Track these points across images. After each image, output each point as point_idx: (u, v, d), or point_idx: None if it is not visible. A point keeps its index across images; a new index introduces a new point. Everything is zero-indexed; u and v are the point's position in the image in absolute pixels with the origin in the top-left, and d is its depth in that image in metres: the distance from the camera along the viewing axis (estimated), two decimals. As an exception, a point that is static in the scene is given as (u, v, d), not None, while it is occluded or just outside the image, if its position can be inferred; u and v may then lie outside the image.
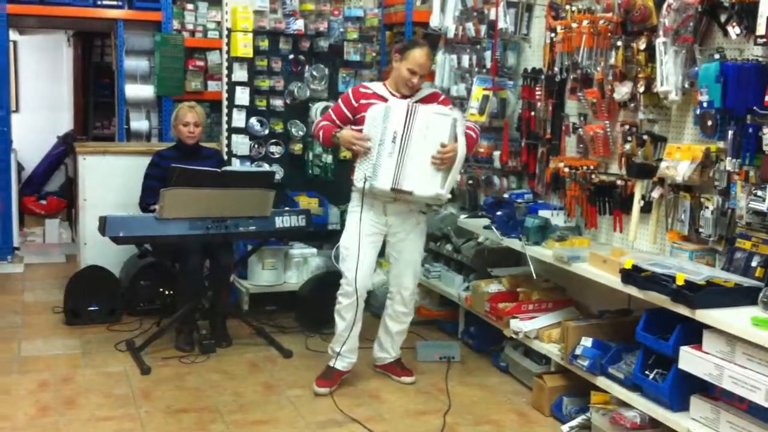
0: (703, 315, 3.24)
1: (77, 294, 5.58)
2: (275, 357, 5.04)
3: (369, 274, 4.54)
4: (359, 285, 4.42)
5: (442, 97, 4.60)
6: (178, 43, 7.27)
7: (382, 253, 4.66)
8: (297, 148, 6.14)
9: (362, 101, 4.45)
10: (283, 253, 5.88)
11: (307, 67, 6.10)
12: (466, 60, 5.51)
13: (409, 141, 4.25)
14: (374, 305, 5.65)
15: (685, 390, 3.44)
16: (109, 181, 5.93)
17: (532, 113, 4.97)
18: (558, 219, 4.71)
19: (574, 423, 3.98)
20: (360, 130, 4.36)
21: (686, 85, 3.75)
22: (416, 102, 4.38)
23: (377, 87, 4.52)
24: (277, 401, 4.37)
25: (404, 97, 4.42)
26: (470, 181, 5.55)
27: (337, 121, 4.51)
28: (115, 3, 7.33)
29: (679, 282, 3.35)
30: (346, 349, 4.50)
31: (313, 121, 6.02)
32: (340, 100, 4.60)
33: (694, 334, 3.35)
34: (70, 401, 4.29)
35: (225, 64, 5.97)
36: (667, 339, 3.49)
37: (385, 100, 4.40)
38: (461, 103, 5.58)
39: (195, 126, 5.29)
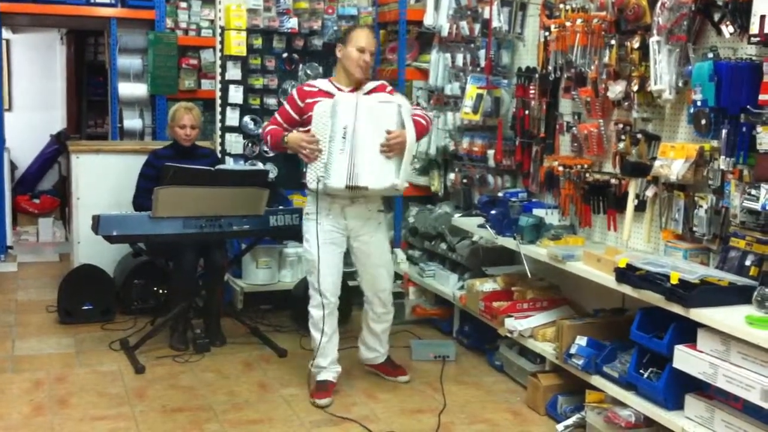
0: (698, 314, 3.25)
1: (71, 293, 5.57)
2: (270, 356, 5.04)
3: (338, 282, 4.39)
4: (329, 295, 4.31)
5: (389, 88, 4.47)
6: (171, 41, 7.24)
7: None
8: (291, 146, 6.11)
9: (308, 100, 4.29)
10: (278, 252, 5.87)
11: (300, 65, 6.09)
12: (460, 59, 5.52)
13: (358, 134, 4.11)
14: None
15: (679, 389, 3.44)
16: (103, 179, 5.92)
17: (527, 112, 4.97)
18: (552, 218, 4.72)
19: (569, 422, 3.98)
20: (308, 131, 4.21)
21: (680, 84, 3.76)
22: (364, 95, 4.28)
23: (322, 84, 4.37)
24: (271, 400, 4.36)
25: (352, 91, 4.31)
26: (464, 180, 5.55)
27: (284, 124, 4.35)
28: (108, 1, 7.29)
29: (674, 281, 3.35)
30: (330, 360, 4.42)
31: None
32: (285, 102, 4.46)
33: (688, 332, 3.35)
34: (64, 400, 4.28)
35: (218, 62, 5.96)
36: (661, 338, 3.49)
37: (330, 95, 4.26)
38: (455, 101, 5.59)
39: (191, 129, 5.28)
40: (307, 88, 4.37)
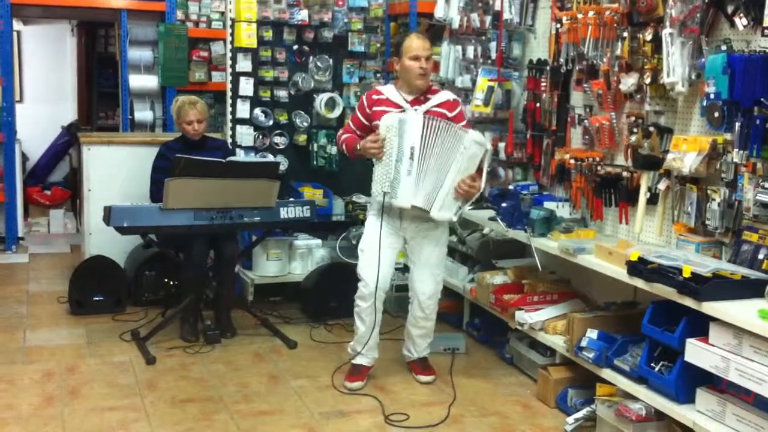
0: (710, 307, 3.24)
1: (82, 284, 5.58)
2: (280, 348, 5.05)
3: (386, 278, 4.43)
4: (369, 282, 4.35)
5: (459, 108, 4.38)
6: (181, 33, 7.26)
7: None
8: (301, 139, 6.12)
9: (375, 108, 4.34)
10: (288, 244, 5.87)
11: (311, 57, 6.08)
12: (471, 51, 5.50)
13: (431, 158, 4.18)
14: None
15: (691, 382, 3.43)
16: (114, 171, 5.93)
17: (538, 104, 4.95)
18: (563, 211, 4.71)
19: (579, 415, 3.97)
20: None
21: (693, 77, 3.75)
22: (434, 107, 4.27)
23: (389, 91, 4.39)
24: (281, 392, 4.37)
25: (417, 99, 4.30)
26: (475, 173, 5.54)
27: (357, 131, 4.42)
28: (119, -7, 7.33)
29: (686, 274, 3.34)
30: (368, 347, 4.46)
31: (317, 112, 6.06)
32: (356, 109, 4.52)
33: (700, 326, 3.34)
34: (75, 391, 4.30)
35: (229, 54, 5.96)
36: (673, 331, 3.48)
37: (397, 105, 4.29)
38: (466, 94, 5.57)
39: (198, 123, 5.26)
40: (375, 96, 4.40)
